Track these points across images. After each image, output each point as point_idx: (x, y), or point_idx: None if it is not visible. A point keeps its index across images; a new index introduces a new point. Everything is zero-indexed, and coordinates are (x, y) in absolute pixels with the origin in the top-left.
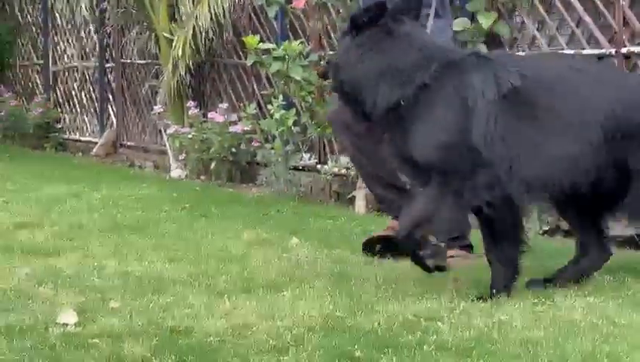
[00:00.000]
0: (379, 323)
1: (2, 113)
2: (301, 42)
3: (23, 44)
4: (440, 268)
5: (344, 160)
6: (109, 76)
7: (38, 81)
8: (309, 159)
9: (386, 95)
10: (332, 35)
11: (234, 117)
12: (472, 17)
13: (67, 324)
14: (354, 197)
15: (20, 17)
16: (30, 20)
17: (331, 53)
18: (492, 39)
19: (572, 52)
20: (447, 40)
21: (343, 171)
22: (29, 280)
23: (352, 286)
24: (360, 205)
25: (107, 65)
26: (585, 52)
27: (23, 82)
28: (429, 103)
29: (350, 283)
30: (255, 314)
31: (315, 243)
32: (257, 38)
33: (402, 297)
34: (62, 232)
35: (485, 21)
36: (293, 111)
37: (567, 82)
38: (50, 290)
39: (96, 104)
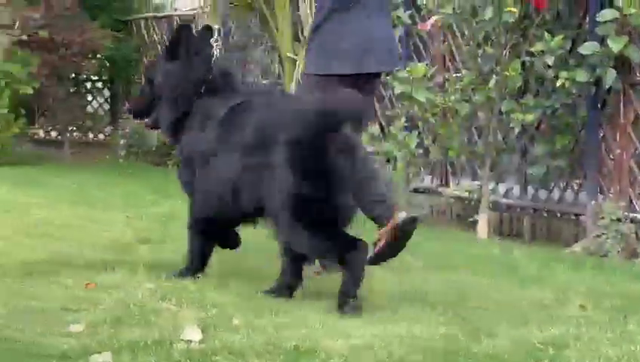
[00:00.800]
0: (503, 350)
1: (127, 130)
2: (426, 64)
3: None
4: None
5: (466, 183)
6: None
7: None
8: (431, 181)
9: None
10: (457, 56)
11: None
12: (602, 41)
13: (191, 341)
14: (476, 220)
15: (145, 36)
16: (155, 39)
17: (455, 75)
18: (621, 63)
19: None
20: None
21: (465, 194)
22: (152, 295)
23: (473, 310)
24: (482, 229)
25: None
26: None
27: None
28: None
29: (471, 307)
30: (374, 336)
31: (436, 266)
32: None
33: (525, 322)
34: (183, 248)
35: (615, 45)
36: (416, 133)
37: None
38: (174, 306)
39: None
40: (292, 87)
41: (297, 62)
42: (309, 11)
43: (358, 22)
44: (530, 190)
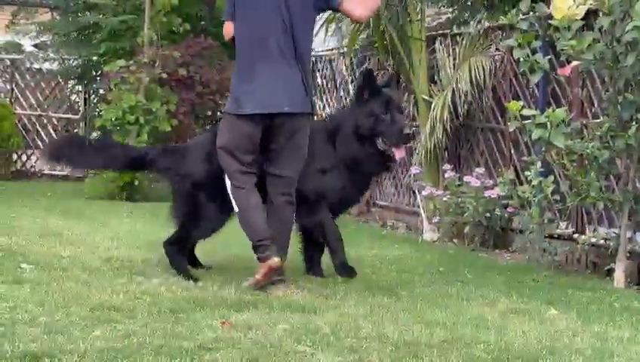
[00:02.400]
0: None
1: None
2: (564, 109)
3: None
4: None
5: (603, 230)
6: None
7: None
8: (566, 228)
9: None
10: (595, 102)
11: (489, 182)
12: None
13: None
14: (612, 269)
15: None
16: None
17: (594, 121)
18: None
19: None
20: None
21: (601, 242)
22: (287, 336)
23: None
24: (619, 278)
25: None
26: None
27: None
28: None
29: (613, 361)
30: None
31: (573, 316)
32: (520, 103)
33: None
34: (318, 289)
35: None
36: (552, 178)
37: None
38: (309, 348)
39: None
40: (427, 129)
41: (432, 105)
42: (445, 54)
43: (263, 69)
44: None
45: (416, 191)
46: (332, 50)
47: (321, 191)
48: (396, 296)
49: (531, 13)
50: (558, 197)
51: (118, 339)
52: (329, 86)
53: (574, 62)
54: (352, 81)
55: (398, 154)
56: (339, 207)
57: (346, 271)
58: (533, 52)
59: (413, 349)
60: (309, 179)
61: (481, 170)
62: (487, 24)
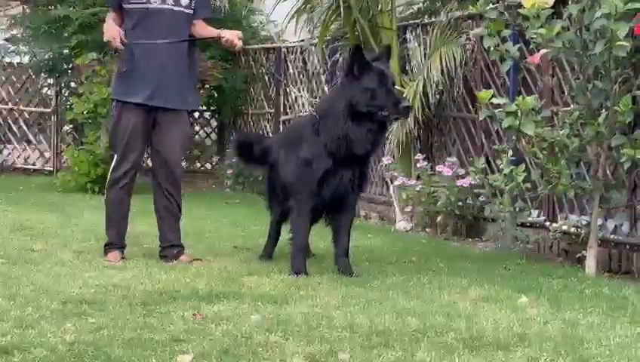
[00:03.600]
0: None
1: (234, 160)
2: (535, 98)
3: (255, 93)
4: None
5: (574, 218)
6: None
7: (269, 129)
8: (538, 216)
9: None
10: (565, 90)
11: (462, 171)
12: None
13: None
14: (583, 256)
15: (254, 67)
16: (263, 70)
17: (564, 109)
18: None
19: None
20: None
21: (573, 229)
22: (259, 327)
23: (584, 350)
24: (590, 265)
25: None
26: None
27: (254, 129)
28: None
29: (583, 347)
30: None
31: (544, 303)
32: (490, 92)
33: None
34: (290, 280)
35: None
36: (523, 167)
37: None
38: (280, 338)
39: None
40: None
41: (404, 95)
42: (416, 44)
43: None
44: None
45: (389, 181)
46: (303, 40)
47: (302, 181)
48: (368, 286)
49: (500, 1)
50: (529, 186)
51: (89, 332)
52: (301, 77)
53: (543, 50)
54: (323, 72)
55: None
56: (329, 196)
57: (297, 270)
58: (503, 41)
59: (385, 338)
60: (293, 169)
61: (452, 159)
62: (457, 13)
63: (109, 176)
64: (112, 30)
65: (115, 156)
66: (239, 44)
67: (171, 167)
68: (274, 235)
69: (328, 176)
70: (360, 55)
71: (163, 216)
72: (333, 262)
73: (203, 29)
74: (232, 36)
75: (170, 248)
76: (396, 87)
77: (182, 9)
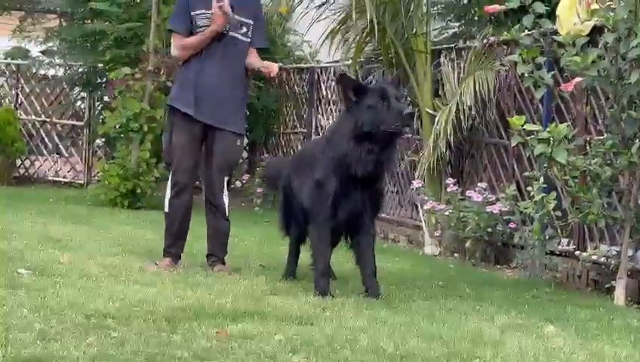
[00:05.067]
0: None
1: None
2: (567, 125)
3: (287, 113)
4: None
5: (604, 248)
6: None
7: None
8: (567, 244)
9: None
10: (598, 119)
11: (492, 197)
12: None
13: None
14: (613, 287)
15: (287, 87)
16: (296, 91)
17: (597, 138)
18: None
19: None
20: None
21: (602, 259)
22: (283, 347)
23: None
24: (620, 296)
25: None
26: None
27: (285, 149)
28: None
29: None
30: None
31: (571, 333)
32: (523, 119)
33: None
34: (315, 301)
35: None
36: (554, 194)
37: None
38: (304, 359)
39: None
40: (430, 142)
41: (436, 118)
42: (450, 68)
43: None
44: None
45: (419, 205)
46: (337, 62)
47: (316, 202)
48: (394, 309)
49: (536, 28)
50: (559, 214)
51: (112, 347)
52: (334, 97)
53: (578, 78)
54: None
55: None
56: (344, 217)
57: (321, 292)
58: (538, 67)
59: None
60: (307, 192)
61: (483, 184)
62: (492, 39)
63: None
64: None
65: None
66: (276, 72)
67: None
68: (295, 253)
69: (340, 197)
70: (348, 79)
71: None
72: (362, 282)
73: (255, 59)
74: (271, 66)
75: (208, 256)
76: (428, 110)
77: (238, 36)
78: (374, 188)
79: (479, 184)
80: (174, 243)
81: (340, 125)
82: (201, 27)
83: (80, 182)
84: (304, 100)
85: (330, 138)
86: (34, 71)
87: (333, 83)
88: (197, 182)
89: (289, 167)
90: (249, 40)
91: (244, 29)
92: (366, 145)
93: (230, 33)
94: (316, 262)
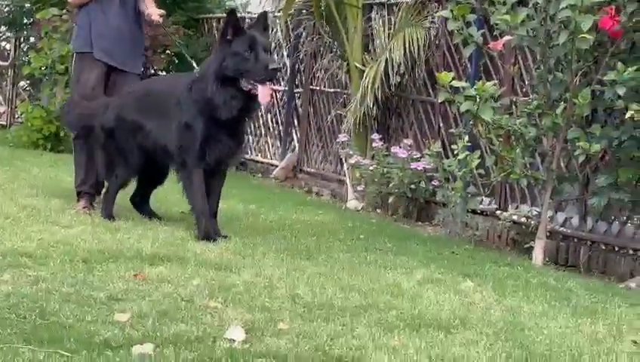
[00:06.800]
0: None
1: None
2: (494, 84)
3: None
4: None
5: (525, 208)
6: (297, 101)
7: None
8: (489, 203)
9: None
10: (526, 79)
11: (417, 154)
12: None
13: (234, 340)
14: (531, 247)
15: (215, 36)
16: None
17: (523, 98)
18: None
19: None
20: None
21: (523, 219)
22: (200, 292)
23: (524, 337)
24: (538, 256)
25: (296, 90)
26: None
27: None
28: None
29: (524, 334)
30: (423, 355)
31: (488, 289)
32: (451, 75)
33: (579, 355)
34: (236, 249)
35: None
36: (478, 153)
37: None
38: (220, 304)
39: (280, 128)
40: (358, 97)
41: (365, 73)
42: (380, 23)
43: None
44: (590, 221)
45: (343, 159)
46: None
47: (185, 145)
48: (314, 260)
49: None
50: (482, 172)
51: (27, 284)
52: None
53: (507, 37)
54: (286, 45)
55: (263, 96)
56: (211, 160)
57: (205, 235)
58: (468, 25)
59: (326, 311)
60: (175, 134)
61: (409, 141)
62: None
63: None
64: None
65: None
66: (157, 19)
67: None
68: (115, 194)
69: (208, 138)
70: (235, 19)
71: None
72: None
73: (147, 3)
74: (153, 12)
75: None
76: (357, 64)
77: None
78: (238, 131)
79: (405, 140)
80: (85, 182)
81: (208, 67)
82: None
83: (2, 123)
84: None
85: (200, 77)
86: None
87: None
88: None
89: (118, 105)
90: None
91: None
92: (230, 91)
93: None
94: (195, 205)
